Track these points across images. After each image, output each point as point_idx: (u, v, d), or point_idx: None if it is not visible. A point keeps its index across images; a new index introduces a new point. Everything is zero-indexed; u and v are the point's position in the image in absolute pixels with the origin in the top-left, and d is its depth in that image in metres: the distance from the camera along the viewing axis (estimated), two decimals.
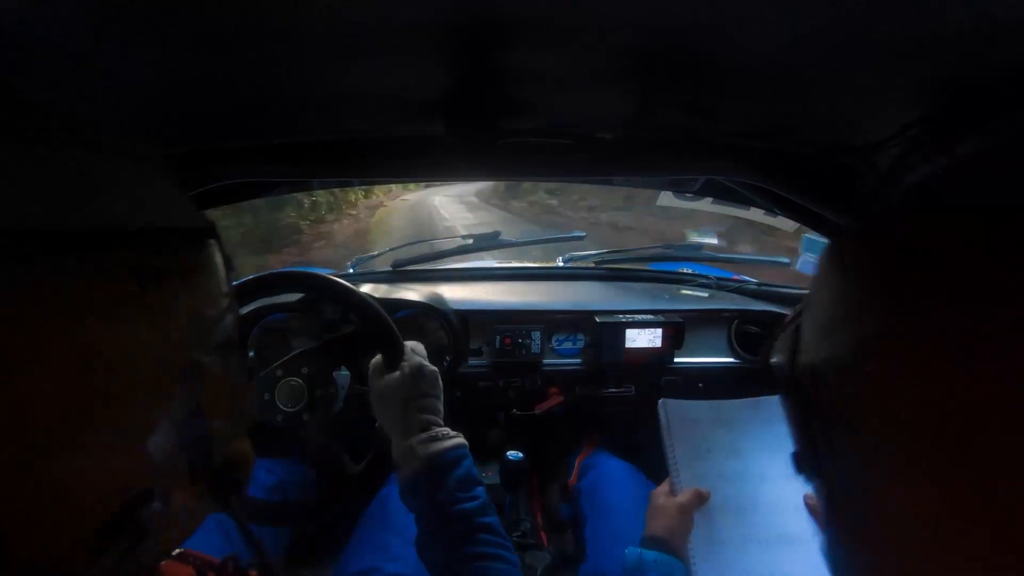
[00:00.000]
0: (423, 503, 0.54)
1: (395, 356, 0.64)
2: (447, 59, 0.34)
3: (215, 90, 0.37)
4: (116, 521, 0.22)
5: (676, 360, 1.05)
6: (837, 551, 0.26)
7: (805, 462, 0.28)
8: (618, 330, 1.02)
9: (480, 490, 0.56)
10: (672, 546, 0.58)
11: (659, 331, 1.02)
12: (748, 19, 0.26)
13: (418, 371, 0.62)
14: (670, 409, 0.68)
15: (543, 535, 1.08)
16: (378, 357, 0.65)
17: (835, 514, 0.26)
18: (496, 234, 1.31)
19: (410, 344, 0.66)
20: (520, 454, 0.99)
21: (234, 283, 0.76)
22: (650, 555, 0.56)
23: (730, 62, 0.32)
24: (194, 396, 0.26)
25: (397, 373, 0.62)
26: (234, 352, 0.31)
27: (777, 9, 0.24)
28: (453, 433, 0.59)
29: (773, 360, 0.30)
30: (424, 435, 0.57)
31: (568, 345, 1.08)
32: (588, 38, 0.30)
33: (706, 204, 1.04)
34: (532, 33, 0.29)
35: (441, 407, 0.62)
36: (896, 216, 0.23)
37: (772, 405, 0.66)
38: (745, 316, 1.10)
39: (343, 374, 0.80)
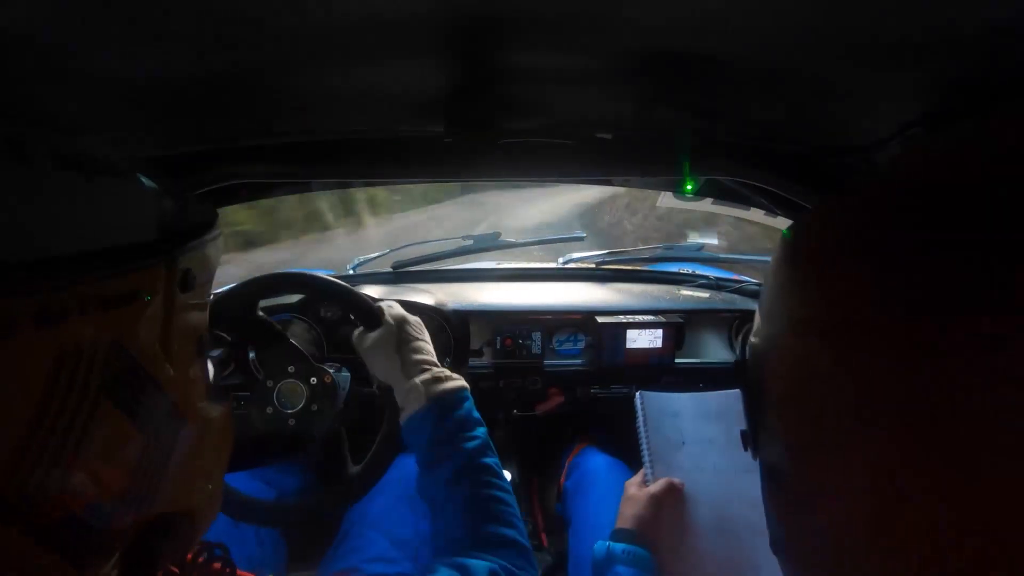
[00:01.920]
0: (425, 440, 0.55)
1: (373, 317, 0.64)
2: (447, 59, 0.34)
3: (215, 91, 0.37)
4: None
5: (676, 360, 1.05)
6: (771, 524, 0.27)
7: (748, 440, 0.29)
8: (619, 331, 1.02)
9: (481, 431, 0.57)
10: (641, 537, 0.57)
11: (660, 331, 1.02)
12: (748, 20, 0.26)
13: (401, 319, 0.63)
14: (647, 401, 0.68)
15: (543, 536, 1.08)
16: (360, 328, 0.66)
17: (766, 487, 0.27)
18: (496, 234, 1.31)
19: (384, 303, 0.67)
20: (508, 474, 0.98)
21: (233, 285, 0.76)
22: (618, 547, 0.56)
23: (730, 63, 0.32)
24: (55, 462, 0.21)
25: (381, 327, 0.63)
26: (153, 396, 0.26)
27: (778, 10, 0.24)
28: (455, 375, 0.60)
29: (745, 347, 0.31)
30: (427, 375, 0.58)
31: (569, 346, 1.08)
32: (588, 38, 0.30)
33: (706, 204, 1.04)
34: (532, 33, 0.29)
35: (432, 350, 0.63)
36: (835, 204, 0.23)
37: None
38: (745, 316, 1.10)
39: (343, 375, 0.80)
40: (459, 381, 0.59)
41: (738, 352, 0.30)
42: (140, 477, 0.25)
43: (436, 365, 0.61)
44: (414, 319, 0.65)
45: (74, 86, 0.32)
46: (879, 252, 0.19)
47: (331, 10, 0.25)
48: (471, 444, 0.54)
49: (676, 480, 0.62)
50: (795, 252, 0.25)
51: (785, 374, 0.23)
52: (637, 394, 0.69)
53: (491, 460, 0.55)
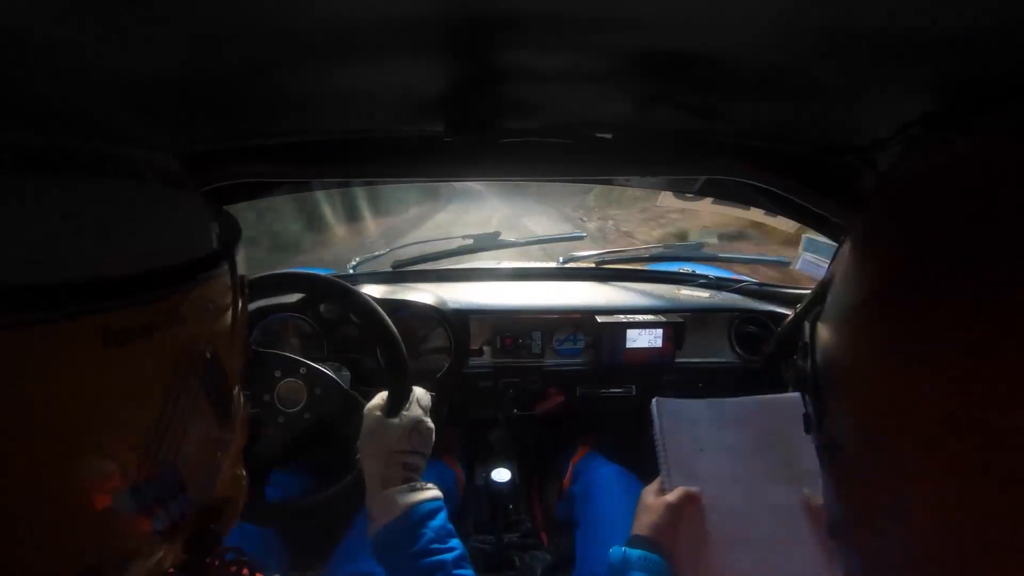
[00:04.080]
0: (400, 555, 0.54)
1: (399, 401, 0.63)
2: (447, 59, 0.34)
3: (213, 91, 0.37)
4: None
5: (676, 360, 1.05)
6: (831, 506, 0.27)
7: (810, 423, 0.29)
8: (619, 330, 1.02)
9: (456, 542, 0.56)
10: (657, 545, 0.57)
11: (659, 331, 1.02)
12: (748, 19, 0.26)
13: (414, 426, 0.62)
14: (663, 408, 0.68)
15: (543, 535, 1.08)
16: (381, 395, 0.65)
17: (831, 471, 0.27)
18: (496, 234, 1.31)
19: (417, 392, 0.66)
20: (508, 473, 0.99)
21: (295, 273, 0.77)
22: (634, 553, 0.56)
23: (730, 62, 0.32)
24: (170, 452, 0.24)
25: (396, 420, 0.61)
26: (232, 386, 0.29)
27: (778, 10, 0.24)
28: (430, 485, 0.59)
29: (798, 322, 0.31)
30: (403, 486, 0.57)
31: (569, 345, 1.08)
32: (589, 38, 0.30)
33: (706, 204, 1.04)
34: (533, 33, 0.29)
35: (424, 464, 0.62)
36: (903, 205, 0.23)
37: (769, 405, 0.65)
38: (745, 316, 1.10)
39: (343, 374, 0.80)
40: (434, 491, 0.58)
41: (804, 330, 0.31)
42: (212, 465, 0.28)
43: (417, 479, 0.59)
44: (427, 428, 0.63)
45: (74, 86, 0.32)
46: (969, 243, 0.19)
47: (331, 9, 0.25)
48: (448, 556, 0.53)
49: (694, 490, 0.61)
50: (878, 235, 0.25)
51: (864, 354, 0.23)
52: (653, 401, 0.68)
53: (468, 572, 0.54)
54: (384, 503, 0.56)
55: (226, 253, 0.28)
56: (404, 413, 0.62)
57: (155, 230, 0.24)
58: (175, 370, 0.23)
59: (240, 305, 0.30)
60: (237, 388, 0.31)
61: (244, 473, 0.35)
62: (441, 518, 0.56)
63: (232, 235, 0.30)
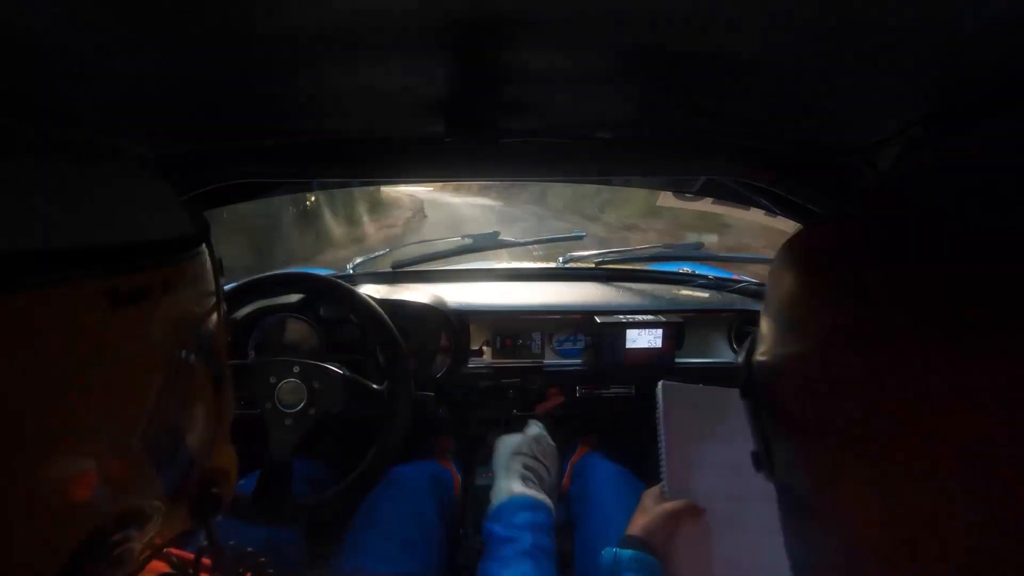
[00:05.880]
0: (495, 526, 0.62)
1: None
2: (447, 59, 0.34)
3: (214, 90, 0.37)
4: (85, 552, 0.21)
5: (676, 360, 1.05)
6: (791, 549, 0.26)
7: (761, 461, 0.28)
8: (619, 330, 1.01)
9: (547, 540, 0.62)
10: (650, 545, 0.57)
11: (659, 331, 1.02)
12: (748, 18, 0.26)
13: (536, 437, 0.78)
14: (668, 392, 0.67)
15: None
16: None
17: (785, 512, 0.26)
18: (496, 234, 1.31)
19: (531, 422, 0.85)
20: None
21: (234, 285, 0.77)
22: (625, 554, 0.56)
23: (730, 62, 0.32)
24: (170, 415, 0.25)
25: (520, 434, 0.78)
26: (218, 359, 0.31)
27: (777, 8, 0.24)
28: (544, 494, 0.69)
29: (739, 358, 0.30)
30: (518, 480, 0.69)
31: (569, 345, 1.08)
32: (588, 38, 0.30)
33: (706, 204, 1.04)
34: (533, 33, 0.29)
35: (549, 479, 0.73)
36: (856, 213, 0.23)
37: None
38: (745, 316, 1.10)
39: (344, 374, 0.80)
40: (543, 496, 0.68)
41: (742, 366, 0.29)
42: (208, 427, 0.30)
43: (534, 481, 0.71)
44: (548, 442, 0.80)
45: (77, 85, 0.32)
46: (916, 258, 0.18)
47: (332, 10, 0.25)
48: (528, 542, 0.60)
49: (699, 505, 0.60)
50: (811, 259, 0.23)
51: (805, 393, 0.22)
52: (660, 384, 0.68)
53: (546, 566, 0.61)
54: (499, 487, 0.69)
55: (206, 232, 0.30)
56: (526, 429, 0.79)
57: (147, 209, 0.26)
58: (174, 332, 0.25)
59: (219, 284, 0.32)
60: (224, 359, 0.33)
61: (232, 450, 0.36)
62: (542, 516, 0.64)
63: (203, 219, 0.32)
